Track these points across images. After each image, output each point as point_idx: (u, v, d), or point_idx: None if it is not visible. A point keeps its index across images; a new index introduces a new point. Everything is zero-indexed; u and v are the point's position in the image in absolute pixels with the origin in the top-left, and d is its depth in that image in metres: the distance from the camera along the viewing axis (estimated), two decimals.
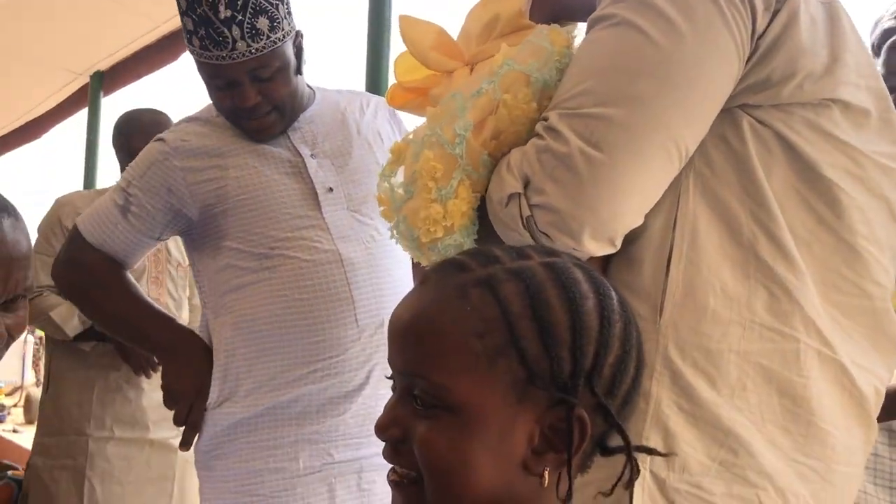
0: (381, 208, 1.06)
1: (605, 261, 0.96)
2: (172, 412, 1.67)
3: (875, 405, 0.97)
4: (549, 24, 1.04)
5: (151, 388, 2.57)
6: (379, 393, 1.62)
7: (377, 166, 1.67)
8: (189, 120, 1.72)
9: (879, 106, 0.98)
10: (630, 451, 0.67)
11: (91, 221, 1.70)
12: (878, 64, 1.61)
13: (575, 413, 0.65)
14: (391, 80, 2.50)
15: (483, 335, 0.65)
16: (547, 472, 0.66)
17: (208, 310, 1.69)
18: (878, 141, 0.97)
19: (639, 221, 0.91)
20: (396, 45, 2.49)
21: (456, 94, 0.98)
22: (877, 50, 1.62)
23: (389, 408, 0.70)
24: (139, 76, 4.57)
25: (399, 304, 0.71)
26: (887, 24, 1.59)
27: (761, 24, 0.91)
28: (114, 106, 4.78)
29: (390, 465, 0.72)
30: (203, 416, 1.64)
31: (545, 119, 0.92)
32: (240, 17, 1.51)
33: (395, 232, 1.04)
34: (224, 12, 1.50)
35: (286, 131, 1.68)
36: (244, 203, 1.60)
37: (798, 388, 0.91)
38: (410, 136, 1.04)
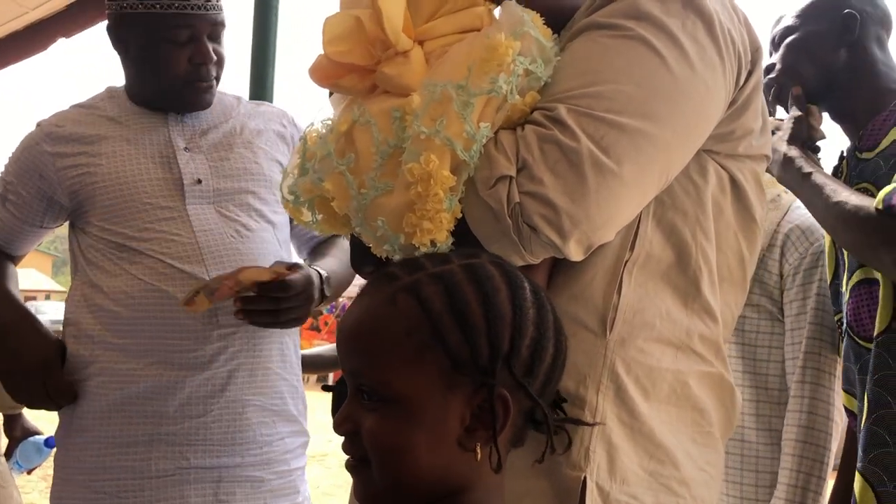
0: (333, 200, 0.95)
1: (553, 267, 0.96)
2: None
3: (737, 421, 1.09)
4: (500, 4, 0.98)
5: None
6: (244, 398, 1.56)
7: (256, 166, 1.67)
8: (74, 106, 1.70)
9: None
10: (550, 425, 0.77)
11: None
12: (776, 59, 1.67)
13: (496, 393, 0.74)
14: (277, 82, 2.47)
15: (411, 333, 0.75)
16: (479, 447, 0.76)
17: (76, 292, 1.62)
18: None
19: (612, 236, 0.91)
20: (283, 42, 2.44)
21: (443, 84, 0.90)
22: (776, 45, 1.68)
23: (344, 406, 0.79)
24: (4, 65, 4.27)
25: (343, 316, 0.81)
26: (790, 21, 1.66)
27: (741, 81, 0.97)
28: None
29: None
30: (66, 384, 1.54)
31: (547, 109, 0.89)
32: None
33: (358, 229, 0.96)
34: None
35: (167, 122, 1.65)
36: (107, 191, 1.58)
37: (705, 403, 1.00)
38: (357, 115, 0.95)
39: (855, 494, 1.44)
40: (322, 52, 0.97)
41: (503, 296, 0.76)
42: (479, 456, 0.75)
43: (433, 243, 0.89)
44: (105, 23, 1.63)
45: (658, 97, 0.88)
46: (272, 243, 1.68)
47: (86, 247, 1.60)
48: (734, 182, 1.01)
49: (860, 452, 1.45)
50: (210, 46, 1.58)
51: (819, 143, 1.67)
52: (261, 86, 2.43)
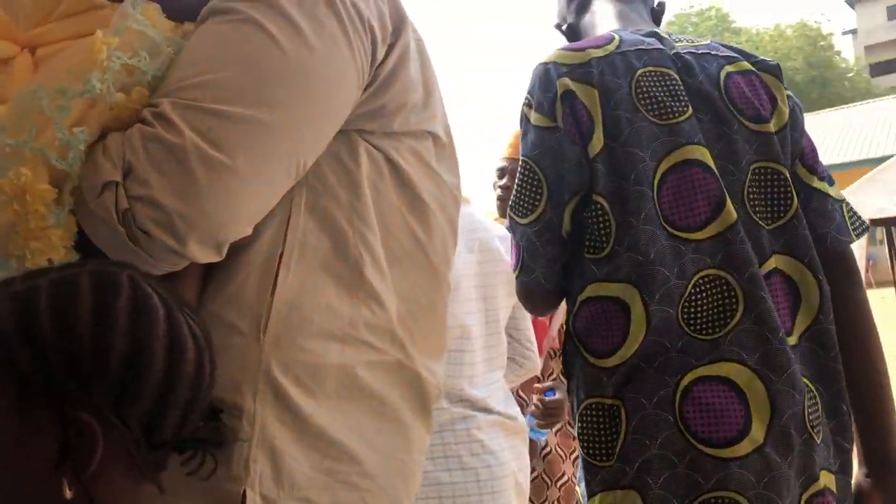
0: None
1: (206, 271, 0.92)
2: None
3: (434, 401, 1.06)
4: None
5: None
6: None
7: None
8: None
9: (449, 139, 1.09)
10: (140, 458, 0.70)
11: None
12: None
13: (75, 419, 0.66)
14: None
15: None
16: (67, 484, 0.66)
17: None
18: (449, 171, 1.08)
19: (248, 231, 0.87)
20: None
21: (35, 89, 0.83)
22: None
23: None
24: None
25: None
26: None
27: (380, 54, 0.94)
28: None
29: None
30: None
31: (154, 105, 0.84)
32: None
33: None
34: None
35: None
36: None
37: (381, 391, 0.96)
38: None
39: None
40: None
41: (84, 308, 0.68)
42: (68, 494, 0.66)
43: (51, 262, 0.82)
44: None
45: (270, 81, 0.84)
46: None
47: None
48: (390, 162, 0.98)
49: None
50: None
51: None
52: None
